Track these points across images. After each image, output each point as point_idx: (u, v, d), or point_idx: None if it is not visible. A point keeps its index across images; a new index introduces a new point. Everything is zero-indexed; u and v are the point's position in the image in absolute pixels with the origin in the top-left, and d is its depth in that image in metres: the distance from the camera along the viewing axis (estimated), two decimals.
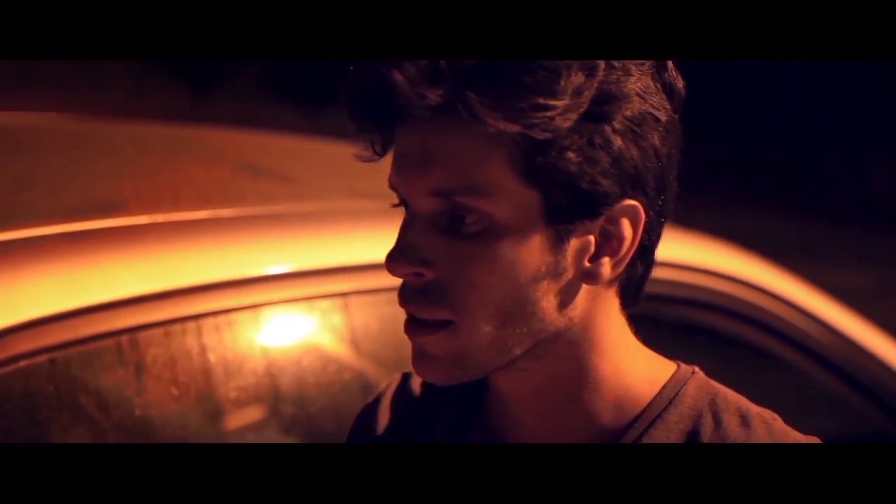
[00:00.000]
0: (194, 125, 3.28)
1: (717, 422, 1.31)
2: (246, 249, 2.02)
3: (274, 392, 1.97)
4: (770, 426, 1.31)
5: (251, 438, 1.93)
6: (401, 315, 2.20)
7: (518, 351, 1.28)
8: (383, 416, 1.47)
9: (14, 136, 2.50)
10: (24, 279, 1.73)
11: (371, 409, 1.49)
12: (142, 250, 1.89)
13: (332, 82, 1.30)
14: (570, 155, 1.22)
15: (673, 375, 1.34)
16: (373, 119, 1.27)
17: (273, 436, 1.97)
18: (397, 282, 2.23)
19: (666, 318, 2.48)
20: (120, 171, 2.35)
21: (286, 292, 2.02)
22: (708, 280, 2.58)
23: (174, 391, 1.81)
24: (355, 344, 2.11)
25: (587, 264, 1.28)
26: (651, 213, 1.29)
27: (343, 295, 2.11)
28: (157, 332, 1.82)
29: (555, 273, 1.26)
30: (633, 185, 1.26)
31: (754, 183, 11.59)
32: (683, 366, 1.36)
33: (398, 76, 1.21)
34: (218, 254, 1.98)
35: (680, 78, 1.32)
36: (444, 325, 1.26)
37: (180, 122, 3.20)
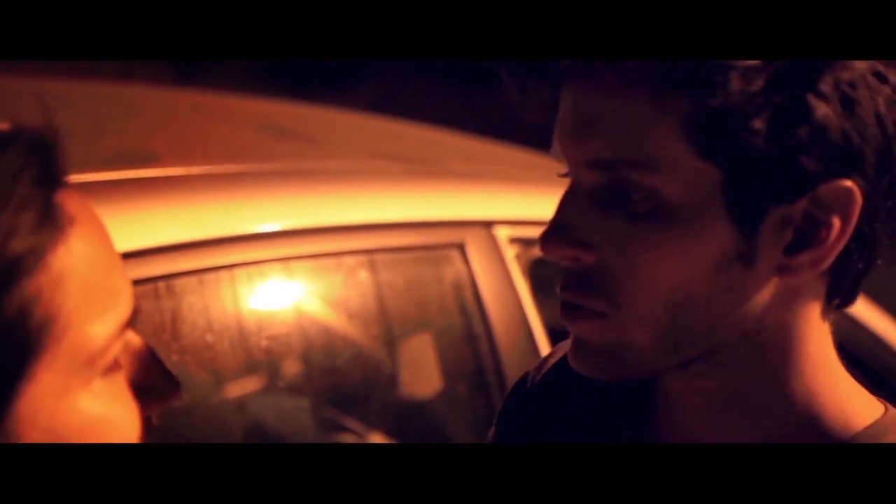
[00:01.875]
0: (213, 91, 3.31)
1: None
2: (277, 204, 2.05)
3: (304, 343, 1.99)
4: None
5: (281, 387, 1.97)
6: (426, 273, 2.26)
7: (692, 353, 1.08)
8: (546, 385, 1.32)
9: (47, 93, 2.52)
10: None
11: (536, 372, 1.34)
12: (178, 200, 1.92)
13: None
14: (756, 125, 1.01)
15: (878, 420, 1.11)
16: (533, 77, 1.10)
17: (301, 384, 2.01)
18: (424, 240, 2.28)
19: None
20: (150, 128, 2.38)
21: (315, 247, 2.05)
22: None
23: (209, 338, 1.84)
24: (380, 300, 2.14)
25: (783, 257, 1.06)
26: (871, 195, 1.05)
27: (369, 252, 2.14)
28: (192, 279, 1.85)
29: (739, 265, 1.05)
30: (844, 162, 1.02)
31: None
32: (893, 410, 1.13)
33: None
34: (250, 207, 2.00)
35: None
36: (602, 315, 1.08)
37: (197, 88, 3.22)
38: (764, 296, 1.07)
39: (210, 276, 1.87)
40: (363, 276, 2.12)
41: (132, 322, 0.98)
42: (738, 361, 1.09)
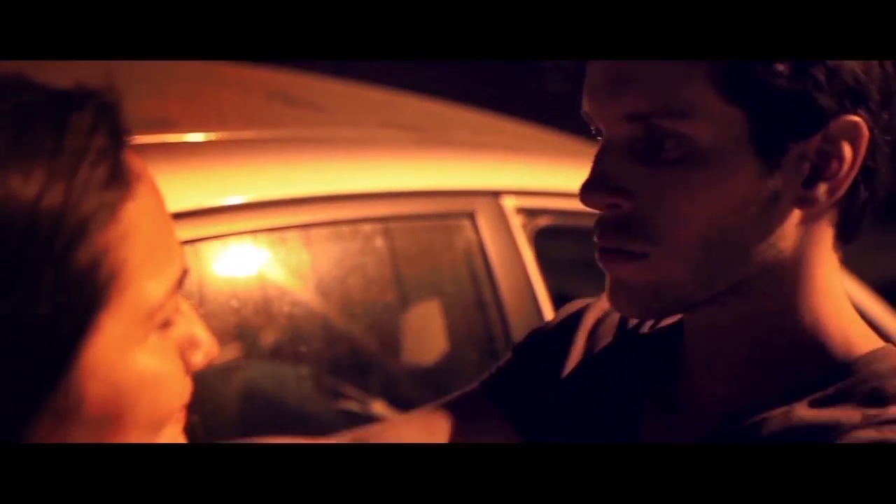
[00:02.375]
0: (213, 61, 3.30)
1: None
2: (294, 169, 2.06)
3: (324, 307, 2.01)
4: None
5: (302, 350, 1.98)
6: (438, 242, 2.28)
7: (722, 286, 1.16)
8: (566, 332, 1.39)
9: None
10: None
11: (574, 316, 1.41)
12: (198, 165, 1.93)
13: None
14: (779, 68, 1.10)
15: (877, 349, 1.18)
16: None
17: (321, 348, 2.02)
18: (436, 208, 2.29)
19: None
20: (161, 94, 2.37)
21: (332, 213, 2.06)
22: None
23: (234, 303, 1.85)
24: (396, 266, 2.16)
25: (801, 189, 1.15)
26: (875, 129, 1.14)
27: (384, 220, 2.15)
28: (217, 244, 1.86)
29: (764, 200, 1.14)
30: (852, 99, 1.12)
31: None
32: (892, 346, 1.20)
33: None
34: (268, 172, 2.02)
35: None
36: (641, 256, 1.16)
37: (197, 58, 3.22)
38: (785, 228, 1.15)
39: (233, 241, 1.88)
40: (378, 243, 2.13)
41: (184, 281, 1.00)
42: (758, 291, 1.17)
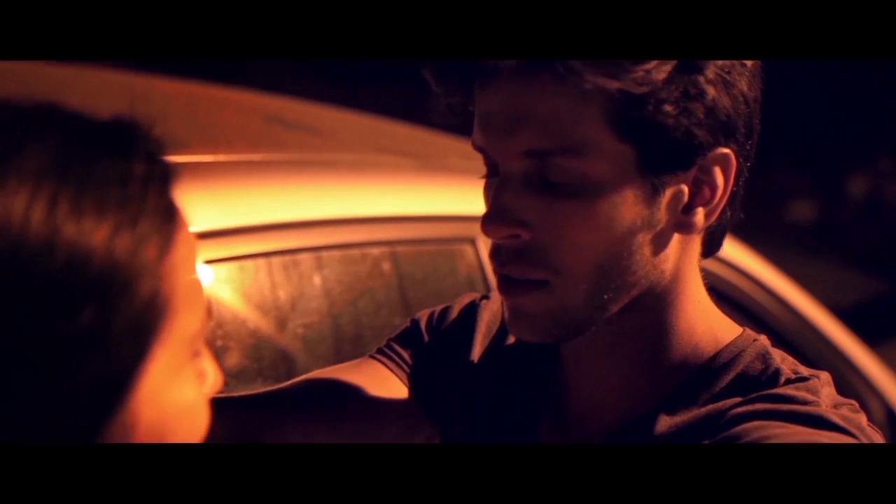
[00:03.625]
0: (204, 82, 3.30)
1: (765, 386, 1.27)
2: (302, 193, 2.07)
3: (335, 330, 2.01)
4: (817, 391, 1.25)
5: (313, 369, 1.97)
6: (443, 266, 2.28)
7: (615, 307, 1.26)
8: (478, 325, 1.46)
9: (66, 82, 2.51)
10: None
11: (472, 310, 1.48)
12: (211, 186, 1.93)
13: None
14: (667, 108, 1.20)
15: (735, 339, 1.32)
16: (456, 79, 1.25)
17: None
18: (442, 232, 2.29)
19: None
20: (163, 117, 2.37)
21: (341, 236, 2.07)
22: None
23: (249, 325, 1.84)
24: (402, 290, 2.16)
25: (681, 215, 1.26)
26: (740, 158, 1.27)
27: (390, 244, 2.16)
28: (233, 265, 1.86)
29: (649, 225, 1.25)
30: (725, 132, 1.24)
31: None
32: (749, 331, 1.34)
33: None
34: (279, 194, 2.02)
35: None
36: (541, 284, 1.24)
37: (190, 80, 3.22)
38: (667, 251, 1.27)
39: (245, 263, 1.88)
40: (385, 266, 2.14)
41: (211, 310, 1.03)
42: (640, 308, 1.28)
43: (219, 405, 1.33)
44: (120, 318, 0.92)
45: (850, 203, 10.74)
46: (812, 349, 3.02)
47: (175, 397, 0.97)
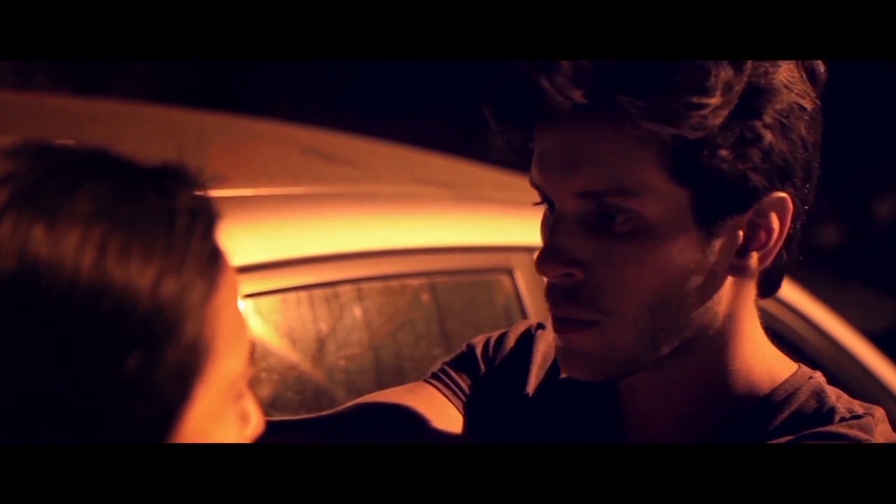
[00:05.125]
0: (233, 114, 3.32)
1: (819, 424, 1.26)
2: (342, 225, 2.08)
3: (375, 362, 2.02)
4: (871, 430, 1.26)
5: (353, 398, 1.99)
6: (481, 297, 2.30)
7: (666, 349, 1.27)
8: (533, 357, 1.45)
9: (104, 119, 2.54)
10: None
11: (528, 340, 1.47)
12: (252, 219, 1.94)
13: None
14: (723, 153, 1.21)
15: (790, 377, 1.32)
16: (515, 118, 1.27)
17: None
18: (479, 263, 2.31)
19: None
20: (200, 150, 2.39)
21: (382, 268, 2.08)
22: None
23: (291, 357, 1.86)
24: (441, 322, 2.17)
25: (735, 259, 1.27)
26: (797, 201, 1.27)
27: (428, 275, 2.17)
28: (275, 298, 1.87)
29: (703, 269, 1.25)
30: (781, 177, 1.25)
31: None
32: (804, 368, 1.34)
33: (543, 77, 1.21)
34: (319, 227, 2.03)
35: (822, 63, 1.31)
36: (592, 323, 1.26)
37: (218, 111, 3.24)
38: (721, 293, 1.28)
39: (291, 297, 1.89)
40: (424, 297, 2.15)
41: (254, 352, 1.03)
42: (695, 350, 1.29)
43: (276, 428, 1.35)
44: (164, 362, 0.92)
45: (878, 226, 10.71)
46: (851, 378, 3.01)
47: (217, 439, 0.98)
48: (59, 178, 0.94)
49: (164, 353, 0.92)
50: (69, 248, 0.91)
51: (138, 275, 0.92)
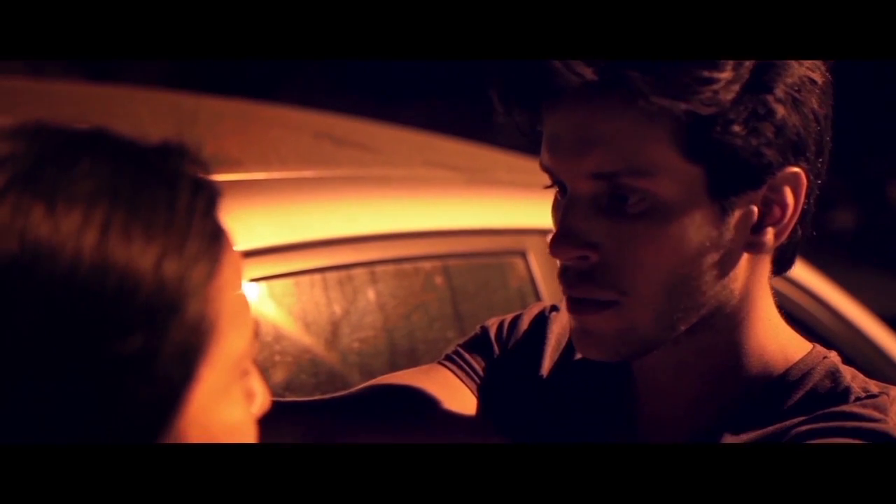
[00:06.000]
0: (248, 100, 3.33)
1: (834, 404, 1.26)
2: (355, 208, 2.08)
3: (389, 344, 2.02)
4: (886, 409, 1.25)
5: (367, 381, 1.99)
6: (494, 279, 2.30)
7: (683, 327, 1.26)
8: (548, 338, 1.45)
9: (116, 104, 2.54)
10: None
11: (542, 322, 1.47)
12: (265, 203, 1.95)
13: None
14: (736, 128, 1.20)
15: (805, 356, 1.31)
16: (524, 99, 1.25)
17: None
18: (493, 246, 2.31)
19: None
20: (215, 134, 2.39)
21: (395, 251, 2.08)
22: None
23: (304, 340, 1.86)
24: (455, 304, 2.18)
25: (751, 235, 1.26)
26: (811, 176, 1.27)
27: (442, 258, 2.17)
28: (289, 282, 1.87)
29: (718, 246, 1.24)
30: (794, 151, 1.24)
31: None
32: (819, 348, 1.33)
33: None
34: (332, 210, 2.04)
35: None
36: (610, 304, 1.25)
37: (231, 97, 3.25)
38: (737, 271, 1.27)
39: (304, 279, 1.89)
40: (438, 280, 2.15)
41: (259, 330, 1.03)
42: (710, 328, 1.28)
43: (290, 408, 1.36)
44: (168, 341, 0.92)
45: (892, 209, 10.68)
46: (865, 360, 3.01)
47: (223, 417, 0.97)
48: (58, 158, 0.94)
49: (168, 333, 0.92)
50: (70, 229, 0.90)
51: (140, 254, 0.91)
